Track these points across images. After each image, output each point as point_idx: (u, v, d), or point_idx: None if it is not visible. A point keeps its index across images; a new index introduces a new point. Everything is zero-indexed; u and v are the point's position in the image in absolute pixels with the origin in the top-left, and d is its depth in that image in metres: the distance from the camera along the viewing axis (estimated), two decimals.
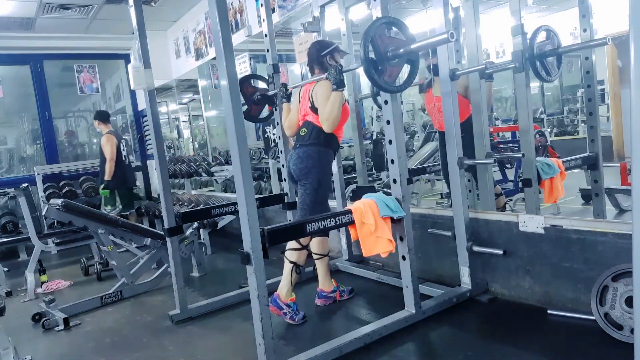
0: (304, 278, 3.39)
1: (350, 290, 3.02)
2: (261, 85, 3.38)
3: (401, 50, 2.16)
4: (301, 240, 2.69)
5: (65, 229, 4.31)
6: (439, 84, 3.04)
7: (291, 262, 2.70)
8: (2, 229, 5.42)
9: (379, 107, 2.94)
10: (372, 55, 2.12)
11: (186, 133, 8.14)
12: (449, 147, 2.74)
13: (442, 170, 3.51)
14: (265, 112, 3.39)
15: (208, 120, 6.97)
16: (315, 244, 2.84)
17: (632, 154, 1.04)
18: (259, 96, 3.27)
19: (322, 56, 2.73)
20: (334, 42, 2.83)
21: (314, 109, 2.69)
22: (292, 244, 2.71)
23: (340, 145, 3.07)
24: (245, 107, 3.24)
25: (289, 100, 3.03)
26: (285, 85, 3.06)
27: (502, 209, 3.44)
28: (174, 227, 2.91)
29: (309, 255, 2.84)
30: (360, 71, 2.32)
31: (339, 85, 2.49)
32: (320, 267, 2.92)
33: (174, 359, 2.48)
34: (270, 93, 3.21)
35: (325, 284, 2.94)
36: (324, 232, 2.62)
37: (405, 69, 2.29)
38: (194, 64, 6.10)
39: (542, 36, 2.55)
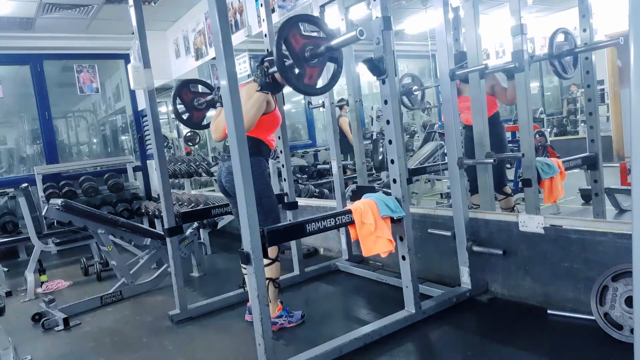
0: (305, 278, 3.40)
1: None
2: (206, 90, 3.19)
3: (319, 50, 2.09)
4: (269, 254, 2.51)
5: (65, 229, 4.31)
6: (466, 88, 3.26)
7: (266, 279, 2.51)
8: (2, 229, 5.42)
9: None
10: (289, 57, 2.06)
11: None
12: (449, 148, 2.74)
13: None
14: (210, 118, 3.17)
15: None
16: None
17: (632, 154, 1.04)
18: (200, 102, 3.06)
19: (262, 62, 2.51)
20: None
21: None
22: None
23: (275, 152, 2.87)
24: (187, 114, 3.09)
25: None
26: (219, 89, 2.97)
27: (512, 209, 3.45)
28: (173, 227, 2.91)
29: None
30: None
31: (263, 87, 2.37)
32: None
33: (174, 359, 2.48)
34: (209, 98, 3.05)
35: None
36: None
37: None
38: (194, 64, 6.10)
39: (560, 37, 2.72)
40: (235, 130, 1.88)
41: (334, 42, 2.08)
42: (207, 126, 3.16)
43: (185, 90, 3.09)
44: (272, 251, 2.58)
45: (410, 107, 4.21)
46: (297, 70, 2.10)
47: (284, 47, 2.04)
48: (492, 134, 3.32)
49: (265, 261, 2.52)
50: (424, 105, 4.43)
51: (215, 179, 5.61)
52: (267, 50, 3.32)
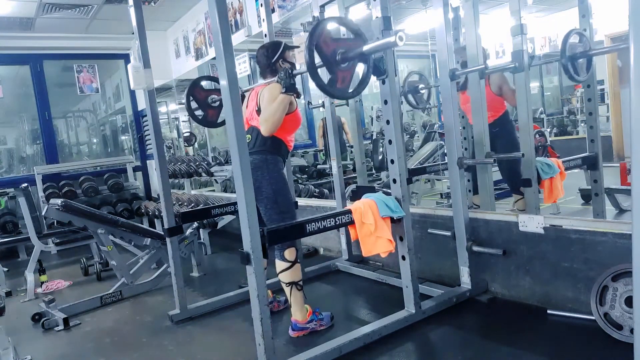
0: (305, 278, 3.36)
1: (285, 300, 2.82)
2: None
3: (352, 54, 2.04)
4: (286, 256, 2.48)
5: (65, 229, 4.31)
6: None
7: (288, 283, 2.50)
8: (2, 229, 5.42)
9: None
10: (319, 62, 2.00)
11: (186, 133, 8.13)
12: (449, 148, 2.74)
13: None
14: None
15: None
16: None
17: (632, 154, 1.04)
18: (215, 99, 3.03)
19: (272, 63, 2.53)
20: (281, 41, 2.59)
21: (260, 112, 2.49)
22: (280, 265, 2.51)
23: (291, 152, 2.78)
24: (202, 113, 3.05)
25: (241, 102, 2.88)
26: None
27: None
28: (173, 227, 2.91)
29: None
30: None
31: (288, 89, 2.29)
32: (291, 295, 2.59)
33: (174, 359, 2.48)
34: None
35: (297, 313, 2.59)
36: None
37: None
38: (194, 64, 6.10)
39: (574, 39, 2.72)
40: (235, 130, 1.88)
41: (367, 48, 2.02)
42: (223, 123, 3.10)
43: (197, 89, 3.05)
44: (290, 253, 2.49)
45: (415, 105, 4.19)
46: (329, 76, 2.03)
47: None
48: (504, 133, 3.39)
49: (284, 265, 2.48)
50: (428, 104, 4.42)
51: (215, 179, 5.61)
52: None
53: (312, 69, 1.97)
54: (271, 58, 2.54)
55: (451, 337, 2.37)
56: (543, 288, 2.53)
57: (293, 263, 2.50)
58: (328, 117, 3.53)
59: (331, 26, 2.10)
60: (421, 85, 4.06)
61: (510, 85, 3.38)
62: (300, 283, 2.55)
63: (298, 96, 2.49)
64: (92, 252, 4.60)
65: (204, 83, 3.16)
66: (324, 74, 2.03)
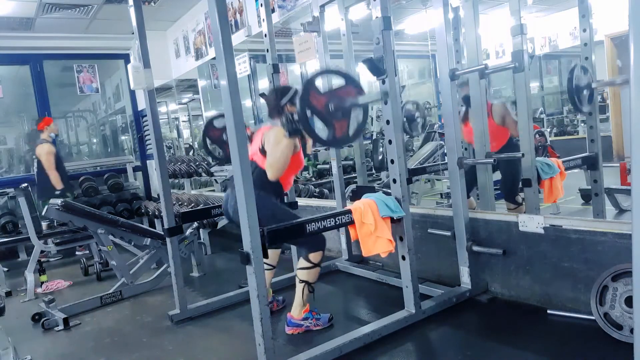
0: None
1: (283, 300, 2.96)
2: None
3: (345, 105, 2.13)
4: (311, 258, 2.50)
5: (65, 228, 4.31)
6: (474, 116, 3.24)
7: (302, 280, 2.53)
8: (2, 229, 5.42)
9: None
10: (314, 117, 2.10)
11: (186, 133, 8.14)
12: (449, 150, 2.74)
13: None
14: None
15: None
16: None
17: (632, 154, 1.04)
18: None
19: (281, 105, 2.59)
20: (293, 87, 2.66)
21: (263, 152, 2.54)
22: (302, 263, 2.54)
23: (286, 193, 2.90)
24: (221, 151, 3.11)
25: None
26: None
27: None
28: (173, 227, 2.91)
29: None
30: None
31: (292, 133, 2.35)
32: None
33: (174, 359, 2.48)
34: None
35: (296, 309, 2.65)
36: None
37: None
38: (194, 64, 6.10)
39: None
40: (235, 129, 1.88)
41: (361, 101, 2.15)
42: None
43: (211, 129, 3.12)
44: (316, 257, 2.51)
45: (409, 132, 4.25)
46: (326, 129, 2.11)
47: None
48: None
49: (307, 264, 2.51)
50: (428, 104, 4.45)
51: (215, 179, 5.62)
52: (267, 50, 3.32)
53: (310, 131, 2.10)
54: (279, 100, 2.61)
55: (451, 337, 2.37)
56: (543, 288, 2.53)
57: (315, 265, 2.52)
58: None
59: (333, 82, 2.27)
60: (417, 114, 4.11)
61: (513, 116, 3.37)
62: (313, 285, 2.57)
63: (303, 138, 2.54)
64: (92, 252, 4.60)
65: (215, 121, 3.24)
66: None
